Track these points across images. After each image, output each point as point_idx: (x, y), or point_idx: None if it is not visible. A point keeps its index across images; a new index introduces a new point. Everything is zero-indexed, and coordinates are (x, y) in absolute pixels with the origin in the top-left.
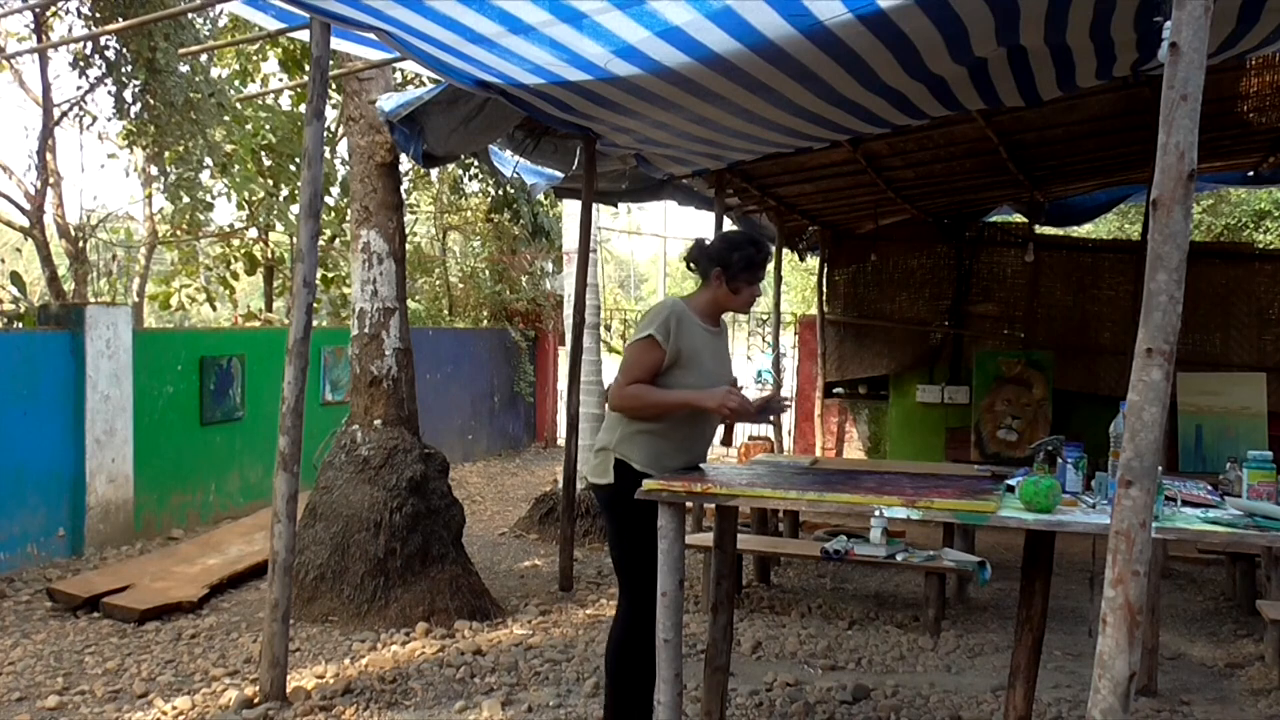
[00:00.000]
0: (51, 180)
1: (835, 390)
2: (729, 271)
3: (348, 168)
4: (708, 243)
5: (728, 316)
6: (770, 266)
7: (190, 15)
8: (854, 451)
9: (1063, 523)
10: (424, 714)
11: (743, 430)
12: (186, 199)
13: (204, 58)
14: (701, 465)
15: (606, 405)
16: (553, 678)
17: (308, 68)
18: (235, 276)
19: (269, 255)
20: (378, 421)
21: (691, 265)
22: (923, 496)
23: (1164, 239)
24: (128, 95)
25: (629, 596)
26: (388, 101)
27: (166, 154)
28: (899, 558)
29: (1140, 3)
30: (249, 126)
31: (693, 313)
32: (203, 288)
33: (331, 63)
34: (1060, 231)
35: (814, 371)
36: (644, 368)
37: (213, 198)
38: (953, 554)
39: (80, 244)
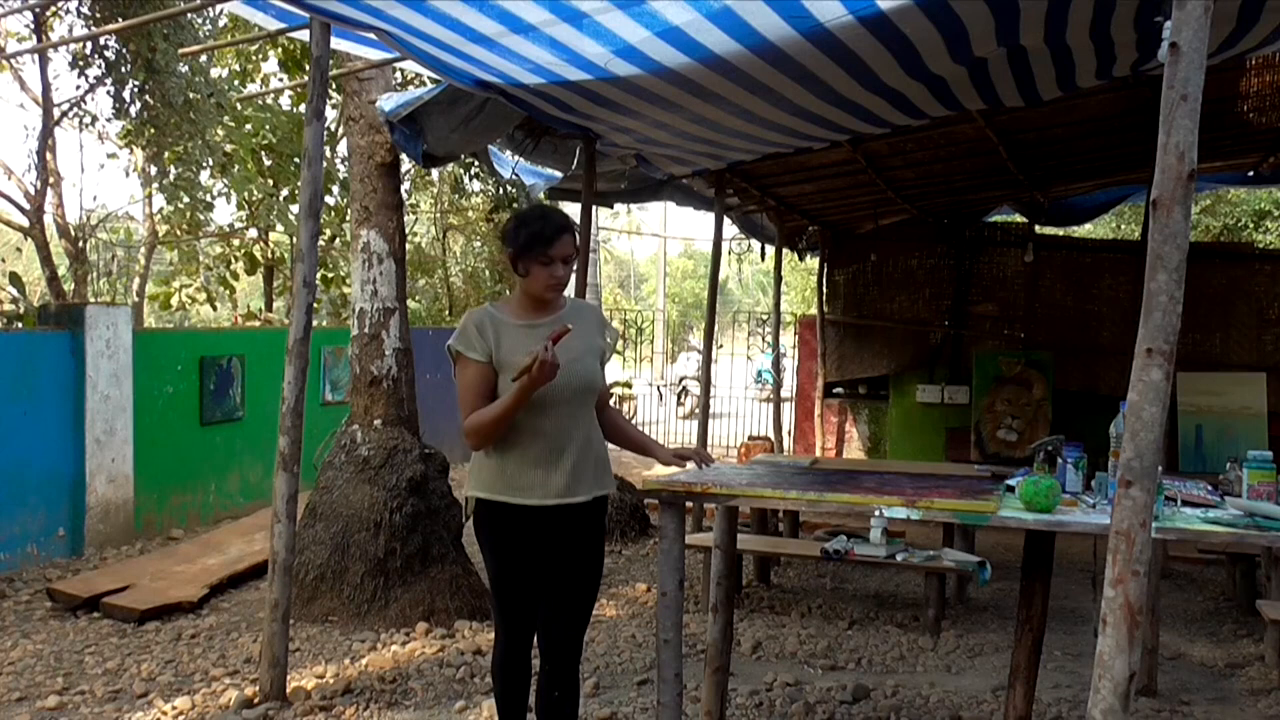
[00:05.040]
0: (51, 180)
1: (835, 390)
2: (515, 251)
3: (348, 168)
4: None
5: (727, 316)
6: (771, 267)
7: (190, 15)
8: (854, 451)
9: (1063, 523)
10: (424, 714)
11: (743, 431)
12: (186, 199)
13: (204, 58)
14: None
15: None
16: None
17: (308, 68)
18: (235, 276)
19: (269, 255)
20: (378, 421)
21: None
22: (923, 496)
23: (1164, 239)
24: (127, 95)
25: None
26: (388, 101)
27: (166, 154)
28: (899, 558)
29: (1140, 3)
30: (249, 126)
31: (505, 310)
32: (203, 288)
33: (331, 63)
34: (1060, 231)
35: (814, 371)
36: (472, 392)
37: (213, 198)
38: (953, 554)
39: (80, 244)
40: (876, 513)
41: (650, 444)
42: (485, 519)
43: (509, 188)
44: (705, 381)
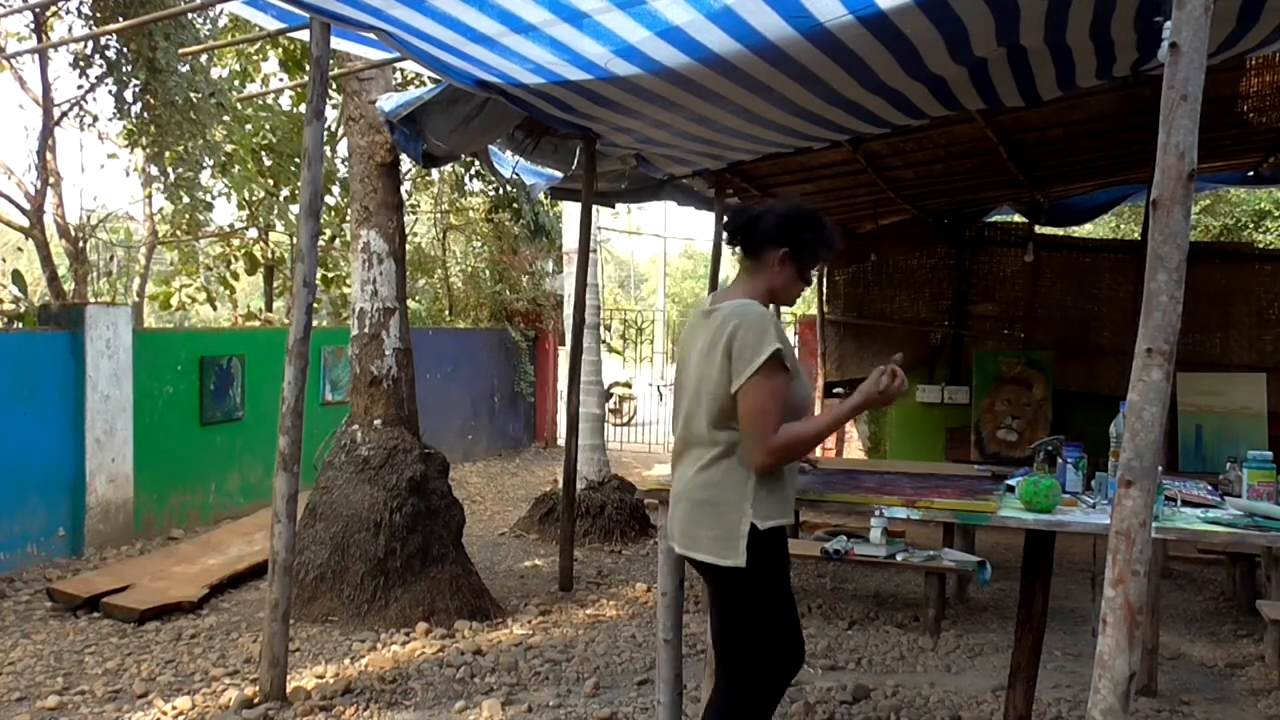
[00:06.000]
0: (51, 180)
1: (835, 390)
2: (802, 254)
3: (348, 168)
4: (759, 214)
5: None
6: None
7: (190, 15)
8: (854, 451)
9: (1063, 523)
10: (424, 714)
11: None
12: (186, 199)
13: (204, 58)
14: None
15: (698, 464)
16: (553, 678)
17: (308, 68)
18: (235, 276)
19: (269, 255)
20: (378, 421)
21: (737, 241)
22: (923, 496)
23: (1164, 239)
24: (128, 95)
25: (739, 676)
26: (388, 101)
27: (166, 154)
28: (899, 558)
29: (1140, 3)
30: (249, 126)
31: None
32: (203, 288)
33: (331, 63)
34: (1060, 231)
35: (814, 371)
36: (780, 403)
37: (213, 198)
38: (953, 554)
39: (80, 244)
40: (876, 513)
41: None
42: (773, 548)
43: (509, 188)
44: None
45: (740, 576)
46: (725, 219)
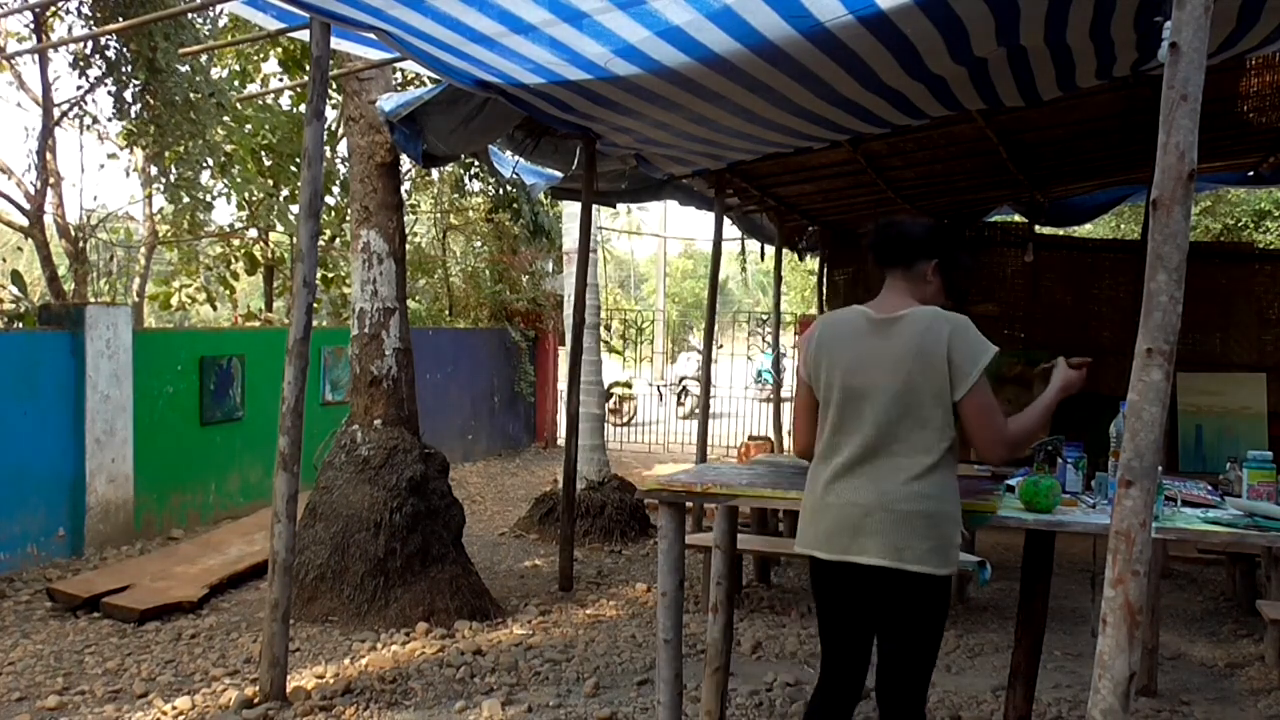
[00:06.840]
0: (51, 180)
1: None
2: (947, 266)
3: (348, 168)
4: (906, 229)
5: (727, 316)
6: (771, 267)
7: (190, 15)
8: None
9: (1063, 523)
10: (424, 714)
11: (743, 431)
12: (186, 199)
13: (204, 58)
14: None
15: (915, 460)
16: (553, 678)
17: (308, 68)
18: (235, 276)
19: (269, 255)
20: (378, 421)
21: (888, 253)
22: None
23: (1164, 239)
24: (128, 95)
25: (921, 688)
26: (388, 101)
27: (166, 154)
28: None
29: (1140, 3)
30: (249, 126)
31: None
32: (203, 288)
33: (331, 63)
34: (1060, 231)
35: None
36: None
37: (213, 198)
38: None
39: (80, 244)
40: None
41: None
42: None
43: (509, 188)
44: (705, 381)
45: (946, 585)
46: (872, 235)
